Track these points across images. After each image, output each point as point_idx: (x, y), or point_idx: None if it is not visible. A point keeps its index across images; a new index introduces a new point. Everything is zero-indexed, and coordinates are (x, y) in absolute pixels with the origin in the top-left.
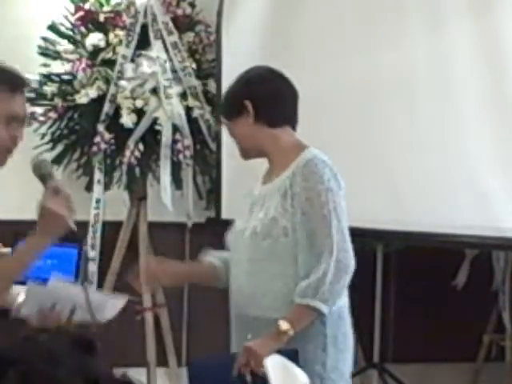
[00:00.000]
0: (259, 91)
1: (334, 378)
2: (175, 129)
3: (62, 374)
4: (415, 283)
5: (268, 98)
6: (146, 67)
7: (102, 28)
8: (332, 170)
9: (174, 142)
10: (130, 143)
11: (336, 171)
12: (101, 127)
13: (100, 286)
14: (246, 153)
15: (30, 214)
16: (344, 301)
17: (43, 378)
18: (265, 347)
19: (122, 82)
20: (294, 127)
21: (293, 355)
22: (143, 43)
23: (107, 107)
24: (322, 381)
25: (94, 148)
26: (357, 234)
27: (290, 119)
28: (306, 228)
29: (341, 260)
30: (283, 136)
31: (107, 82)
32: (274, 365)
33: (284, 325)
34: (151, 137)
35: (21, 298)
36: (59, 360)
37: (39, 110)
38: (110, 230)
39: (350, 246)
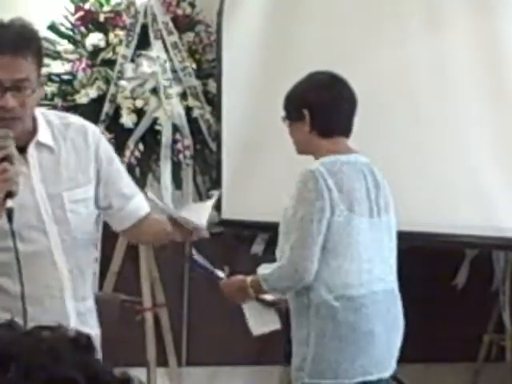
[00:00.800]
0: (317, 101)
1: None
2: (175, 129)
3: (62, 369)
4: (415, 283)
5: (324, 109)
6: (146, 67)
7: (102, 28)
8: (317, 183)
9: (174, 141)
10: (130, 143)
11: (330, 183)
12: (101, 127)
13: (100, 285)
14: (300, 153)
15: None
16: (323, 299)
17: (45, 372)
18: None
19: (122, 82)
20: (347, 135)
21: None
22: (143, 43)
23: (107, 107)
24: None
25: None
26: None
27: (344, 129)
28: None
29: (290, 265)
30: (330, 147)
31: (107, 81)
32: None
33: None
34: (151, 137)
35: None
36: (60, 355)
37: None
38: (110, 229)
39: (308, 255)
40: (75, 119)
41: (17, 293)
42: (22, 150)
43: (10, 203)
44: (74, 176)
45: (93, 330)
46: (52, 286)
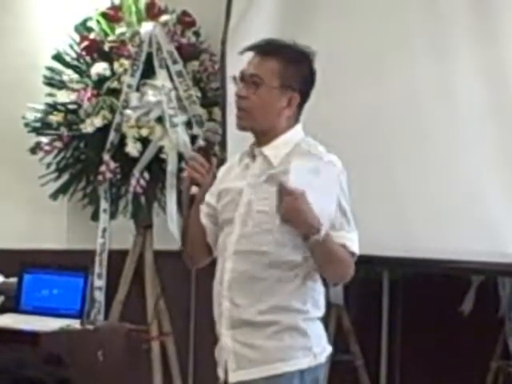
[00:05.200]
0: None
1: None
2: (181, 157)
3: (29, 373)
4: (421, 310)
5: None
6: (151, 96)
7: (107, 57)
8: None
9: (180, 170)
10: (136, 172)
11: None
12: (106, 156)
13: (106, 314)
14: None
15: (37, 243)
16: None
17: (12, 376)
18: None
19: (127, 111)
20: None
21: None
22: (148, 72)
23: (112, 136)
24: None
25: (100, 177)
26: (363, 261)
27: None
28: None
29: None
30: None
31: (112, 111)
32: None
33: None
34: (157, 165)
35: None
36: (27, 364)
37: (45, 139)
38: (116, 258)
39: None
40: (323, 156)
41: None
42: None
43: (193, 189)
44: None
45: None
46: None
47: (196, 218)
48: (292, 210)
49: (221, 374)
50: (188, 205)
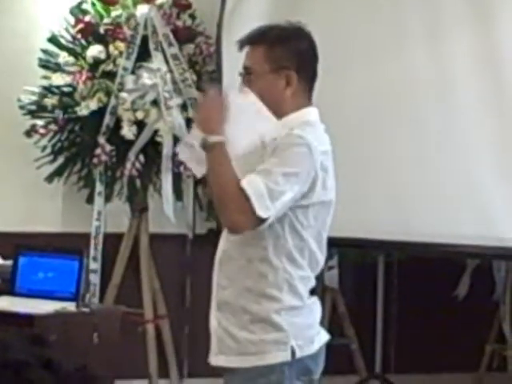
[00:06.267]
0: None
1: None
2: (176, 140)
3: (11, 355)
4: (417, 293)
5: None
6: (146, 79)
7: (103, 40)
8: None
9: (175, 153)
10: (131, 155)
11: None
12: (101, 139)
13: (101, 297)
14: None
15: (32, 226)
16: None
17: None
18: None
19: (123, 94)
20: None
21: None
22: (144, 55)
23: (108, 119)
24: None
25: (95, 160)
26: (358, 245)
27: None
28: None
29: None
30: None
31: (108, 93)
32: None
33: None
34: (152, 148)
35: None
36: (9, 345)
37: (40, 122)
38: (112, 241)
39: None
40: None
41: None
42: None
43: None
44: None
45: None
46: None
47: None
48: (205, 108)
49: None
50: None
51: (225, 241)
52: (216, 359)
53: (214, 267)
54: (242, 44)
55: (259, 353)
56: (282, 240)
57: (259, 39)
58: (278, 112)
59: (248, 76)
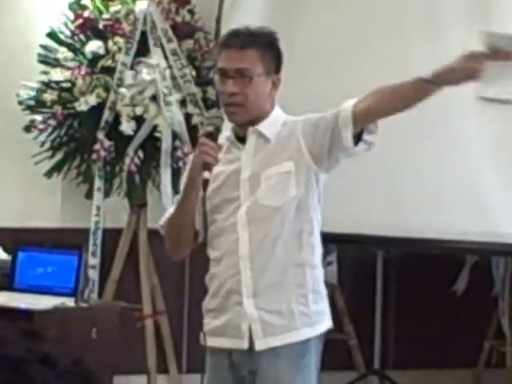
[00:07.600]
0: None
1: None
2: (175, 136)
3: (10, 351)
4: (415, 289)
5: None
6: (145, 74)
7: (102, 35)
8: None
9: (174, 148)
10: (130, 150)
11: None
12: (100, 134)
13: (100, 293)
14: None
15: (31, 221)
16: None
17: None
18: None
19: (122, 90)
20: None
21: None
22: (143, 50)
23: (107, 114)
24: None
25: (94, 155)
26: (357, 240)
27: None
28: None
29: None
30: None
31: (107, 89)
32: None
33: None
34: (151, 144)
35: None
36: (7, 341)
37: (39, 117)
38: (110, 237)
39: None
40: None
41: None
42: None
43: (206, 174)
44: None
45: None
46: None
47: (195, 203)
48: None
49: (229, 344)
50: (200, 189)
51: (258, 229)
52: (263, 343)
53: (235, 259)
54: (232, 46)
55: (313, 323)
56: (316, 211)
57: (250, 43)
58: (262, 113)
59: (243, 79)
